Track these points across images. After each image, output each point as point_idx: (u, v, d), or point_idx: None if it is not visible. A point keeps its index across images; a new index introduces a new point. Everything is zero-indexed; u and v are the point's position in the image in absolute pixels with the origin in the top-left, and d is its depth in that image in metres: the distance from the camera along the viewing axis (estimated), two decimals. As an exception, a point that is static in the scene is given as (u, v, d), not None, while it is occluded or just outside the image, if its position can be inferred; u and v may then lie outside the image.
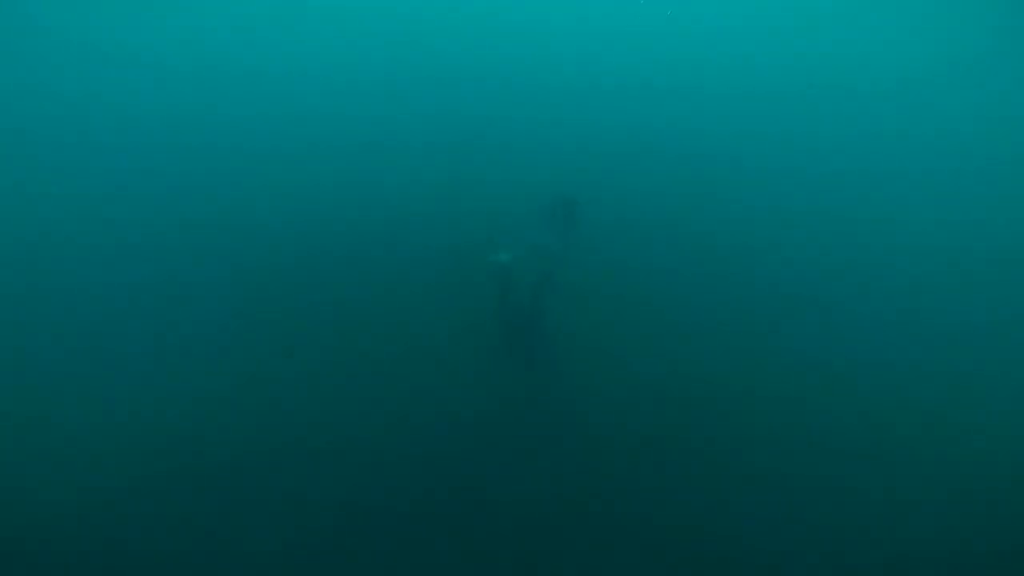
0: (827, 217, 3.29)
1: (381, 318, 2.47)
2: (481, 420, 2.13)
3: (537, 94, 4.71)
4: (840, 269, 2.91)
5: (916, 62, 4.80)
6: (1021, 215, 3.32)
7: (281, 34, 5.07)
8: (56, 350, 2.30)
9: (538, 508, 1.90)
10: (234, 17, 5.22)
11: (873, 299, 2.62)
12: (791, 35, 5.92)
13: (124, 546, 1.78)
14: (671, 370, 2.28)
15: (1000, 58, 4.51)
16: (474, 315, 2.47)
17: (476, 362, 2.32)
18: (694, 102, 4.81)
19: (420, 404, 2.19)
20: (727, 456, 2.07)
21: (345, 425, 2.14)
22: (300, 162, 3.70)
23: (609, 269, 2.71)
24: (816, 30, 5.89)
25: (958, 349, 2.43)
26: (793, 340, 2.42)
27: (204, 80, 4.36)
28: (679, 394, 2.28)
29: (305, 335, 2.38)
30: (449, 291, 2.61)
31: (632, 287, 2.62)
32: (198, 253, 2.78)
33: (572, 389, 2.23)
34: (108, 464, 1.99)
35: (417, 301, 2.56)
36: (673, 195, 3.38)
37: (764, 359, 2.36)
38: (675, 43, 5.77)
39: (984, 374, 2.38)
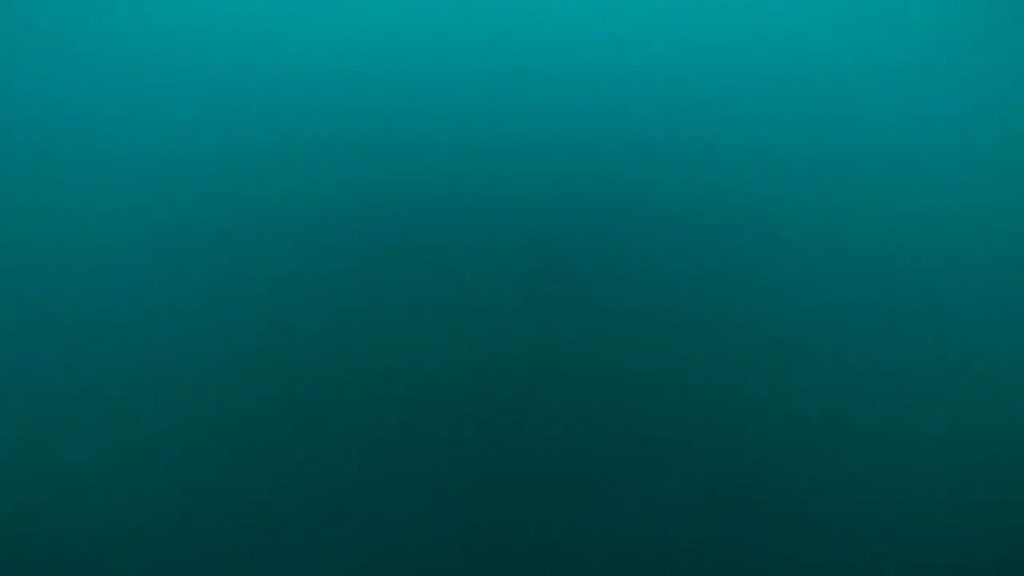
0: (832, 214, 3.28)
1: (391, 318, 2.44)
2: (486, 424, 2.12)
3: (541, 87, 4.68)
4: (852, 266, 2.89)
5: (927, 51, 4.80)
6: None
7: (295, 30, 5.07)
8: (57, 355, 2.28)
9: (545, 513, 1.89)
10: (243, 14, 5.21)
11: (884, 298, 2.59)
12: (801, 26, 5.90)
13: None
14: (680, 367, 2.26)
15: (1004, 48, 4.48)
16: (482, 313, 2.45)
17: (478, 363, 2.30)
18: (698, 96, 4.77)
19: (425, 407, 2.17)
20: (736, 456, 2.06)
21: (346, 430, 2.13)
22: (303, 162, 3.70)
23: (614, 262, 2.69)
24: (828, 18, 5.86)
25: (965, 348, 2.41)
26: (804, 336, 2.40)
27: (208, 75, 4.36)
28: (689, 392, 2.27)
29: (316, 334, 2.36)
30: (453, 290, 2.59)
31: (637, 282, 2.60)
32: (212, 253, 2.76)
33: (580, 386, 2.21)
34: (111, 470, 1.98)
35: (421, 300, 2.54)
36: (681, 188, 3.35)
37: (765, 356, 2.34)
38: (677, 35, 5.77)
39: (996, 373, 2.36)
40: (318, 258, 2.88)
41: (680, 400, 2.27)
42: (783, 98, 4.15)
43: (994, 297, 2.69)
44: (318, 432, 2.19)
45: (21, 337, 2.44)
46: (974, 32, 4.44)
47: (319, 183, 3.43)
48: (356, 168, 3.51)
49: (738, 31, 5.08)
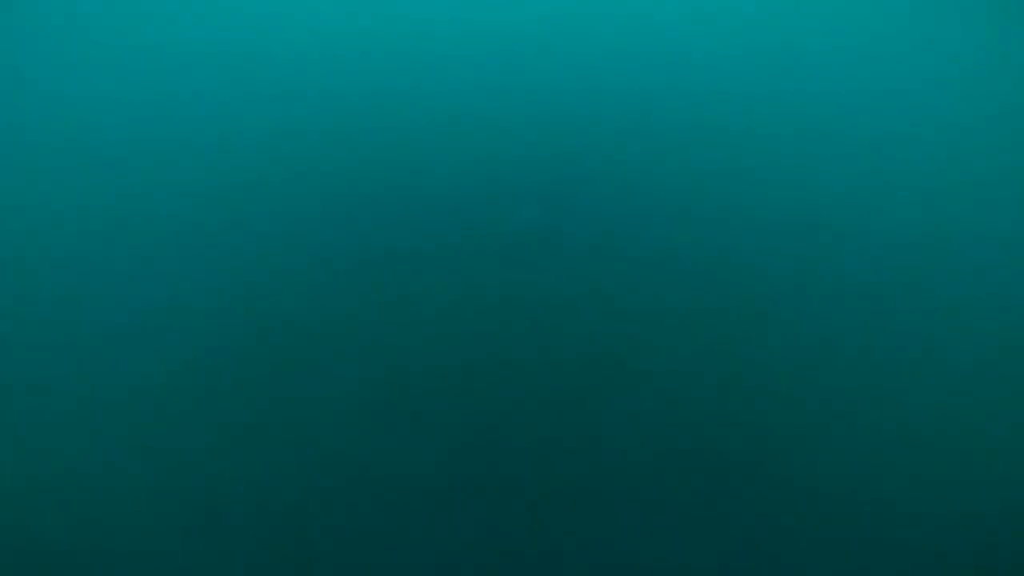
0: (835, 212, 3.27)
1: (392, 316, 2.43)
2: (488, 421, 2.11)
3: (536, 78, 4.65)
4: (854, 268, 2.87)
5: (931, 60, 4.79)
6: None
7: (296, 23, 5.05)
8: (57, 357, 2.27)
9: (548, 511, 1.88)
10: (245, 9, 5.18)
11: (883, 298, 2.58)
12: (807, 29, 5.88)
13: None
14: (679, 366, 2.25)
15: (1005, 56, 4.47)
16: (479, 311, 2.44)
17: (477, 363, 2.29)
18: (698, 94, 4.75)
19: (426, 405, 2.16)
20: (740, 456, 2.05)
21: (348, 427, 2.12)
22: (302, 159, 3.69)
23: (610, 257, 2.67)
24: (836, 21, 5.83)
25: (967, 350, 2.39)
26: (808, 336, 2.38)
27: (207, 69, 4.34)
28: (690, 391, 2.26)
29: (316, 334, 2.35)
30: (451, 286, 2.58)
31: (636, 281, 2.59)
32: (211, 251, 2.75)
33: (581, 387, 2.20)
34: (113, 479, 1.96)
35: (421, 296, 2.53)
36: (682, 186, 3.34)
37: (767, 355, 2.33)
38: (676, 33, 5.77)
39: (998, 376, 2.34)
40: (313, 253, 2.87)
41: (680, 398, 2.26)
42: (787, 97, 4.13)
43: (998, 300, 2.68)
44: (316, 431, 2.19)
45: (16, 337, 2.44)
46: (979, 33, 4.42)
47: (309, 176, 3.42)
48: (347, 163, 3.49)
49: (743, 28, 5.04)
